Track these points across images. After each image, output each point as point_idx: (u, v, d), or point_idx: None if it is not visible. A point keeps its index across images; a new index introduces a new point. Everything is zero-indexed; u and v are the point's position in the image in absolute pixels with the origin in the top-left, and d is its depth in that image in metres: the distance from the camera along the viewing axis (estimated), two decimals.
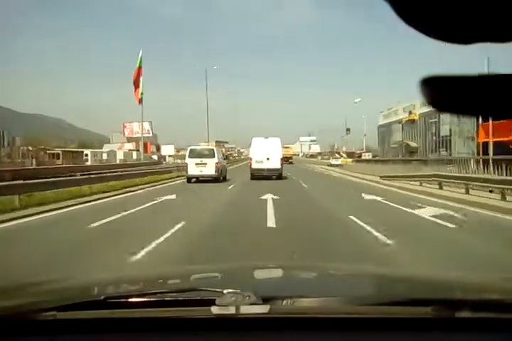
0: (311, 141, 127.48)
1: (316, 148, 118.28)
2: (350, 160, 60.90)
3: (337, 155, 71.91)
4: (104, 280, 1.76)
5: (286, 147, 30.75)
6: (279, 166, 22.02)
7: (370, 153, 63.95)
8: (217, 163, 19.80)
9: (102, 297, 1.07)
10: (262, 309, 1.00)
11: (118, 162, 50.00)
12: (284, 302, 1.05)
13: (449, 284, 1.62)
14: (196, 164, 19.58)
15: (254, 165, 22.14)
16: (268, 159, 21.93)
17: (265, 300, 1.02)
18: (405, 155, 38.84)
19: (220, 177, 19.80)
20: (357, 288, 1.59)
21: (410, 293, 1.35)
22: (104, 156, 54.77)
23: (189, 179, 19.84)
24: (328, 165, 53.51)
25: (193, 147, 22.37)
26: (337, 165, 50.86)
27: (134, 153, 58.50)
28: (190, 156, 20.22)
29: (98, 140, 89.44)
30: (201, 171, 19.53)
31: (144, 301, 1.09)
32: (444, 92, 0.47)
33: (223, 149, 70.80)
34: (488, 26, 0.42)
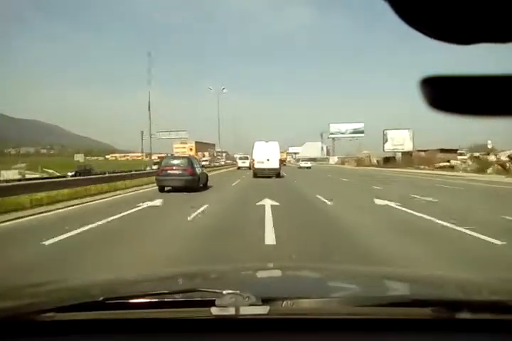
0: (356, 131, 72.03)
1: (403, 139, 56.35)
2: None
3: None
4: (103, 281, 1.75)
5: (281, 152, 33.28)
6: (277, 166, 26.32)
7: None
8: (249, 162, 40.26)
9: (101, 298, 1.06)
10: (261, 310, 1.00)
11: None
12: (284, 303, 1.05)
13: (449, 285, 1.62)
14: (241, 162, 47.17)
15: (257, 165, 26.69)
16: (268, 160, 26.16)
17: (265, 301, 1.01)
18: None
19: (250, 168, 37.64)
20: (357, 289, 1.59)
21: (410, 294, 1.35)
22: None
23: (238, 168, 46.38)
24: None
25: (241, 155, 52.01)
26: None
27: None
28: (239, 159, 50.13)
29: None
30: (243, 165, 45.47)
31: (143, 302, 1.09)
32: (444, 92, 0.47)
33: (206, 153, 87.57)
34: (489, 26, 0.42)
